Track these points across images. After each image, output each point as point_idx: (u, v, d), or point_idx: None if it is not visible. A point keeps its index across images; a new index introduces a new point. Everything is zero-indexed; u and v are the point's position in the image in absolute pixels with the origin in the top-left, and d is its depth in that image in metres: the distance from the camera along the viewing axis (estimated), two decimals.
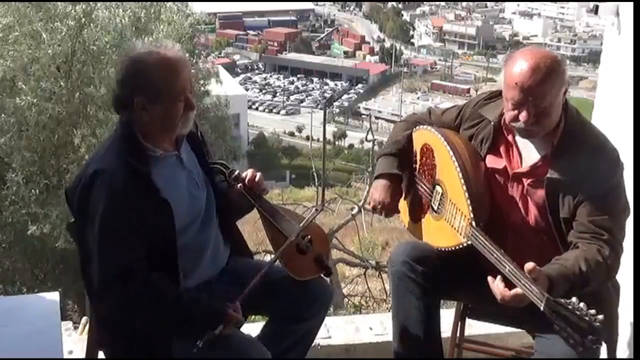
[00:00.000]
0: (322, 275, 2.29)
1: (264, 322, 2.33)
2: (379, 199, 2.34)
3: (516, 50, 2.09)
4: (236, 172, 2.25)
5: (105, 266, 1.86)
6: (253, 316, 2.43)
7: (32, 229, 6.49)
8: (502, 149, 2.19)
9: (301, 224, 2.26)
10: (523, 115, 2.00)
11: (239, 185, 2.23)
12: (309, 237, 2.28)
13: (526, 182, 2.13)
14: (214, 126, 9.40)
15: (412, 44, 77.30)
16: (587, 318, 1.69)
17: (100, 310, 2.00)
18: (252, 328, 2.32)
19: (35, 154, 6.84)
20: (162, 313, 1.91)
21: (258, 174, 2.24)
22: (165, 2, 8.19)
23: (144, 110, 1.96)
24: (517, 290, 1.85)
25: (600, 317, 1.69)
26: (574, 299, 1.74)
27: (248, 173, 2.25)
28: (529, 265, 1.84)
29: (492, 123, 2.19)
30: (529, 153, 2.13)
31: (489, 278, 1.93)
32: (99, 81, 6.70)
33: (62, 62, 6.78)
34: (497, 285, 1.91)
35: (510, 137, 2.17)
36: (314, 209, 2.56)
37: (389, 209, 2.35)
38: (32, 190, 6.63)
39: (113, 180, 1.88)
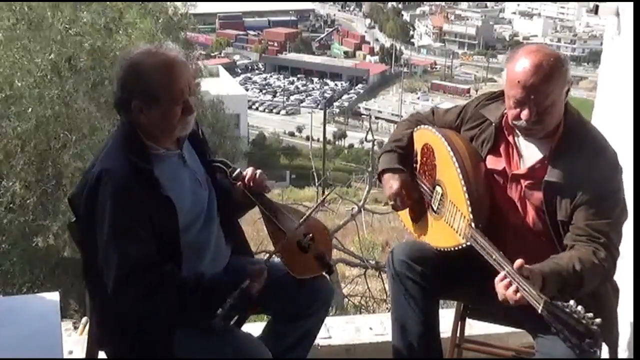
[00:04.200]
0: (323, 273, 2.28)
1: (264, 323, 2.34)
2: (394, 190, 2.30)
3: (520, 47, 2.07)
4: (237, 170, 2.25)
5: (122, 262, 1.85)
6: (253, 316, 2.43)
7: (37, 241, 6.50)
8: (502, 150, 2.18)
9: (302, 219, 2.25)
10: (525, 114, 2.00)
11: (239, 183, 2.23)
12: (311, 235, 2.27)
13: (524, 183, 2.13)
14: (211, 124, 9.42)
15: (412, 44, 77.26)
16: (584, 321, 1.68)
17: (118, 306, 1.95)
18: (253, 328, 2.32)
19: (32, 164, 6.86)
20: (188, 294, 1.90)
21: (258, 172, 2.25)
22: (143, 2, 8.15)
23: (142, 113, 1.96)
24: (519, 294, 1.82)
25: (598, 320, 1.68)
26: (571, 302, 1.72)
27: (249, 171, 2.25)
28: (518, 262, 1.82)
29: (493, 124, 2.19)
30: (528, 155, 2.13)
31: (497, 278, 1.89)
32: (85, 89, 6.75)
33: (50, 70, 6.78)
34: (500, 285, 1.87)
35: (510, 138, 2.16)
36: (315, 203, 2.55)
37: (403, 200, 2.32)
38: (30, 199, 6.65)
39: (118, 179, 1.88)
